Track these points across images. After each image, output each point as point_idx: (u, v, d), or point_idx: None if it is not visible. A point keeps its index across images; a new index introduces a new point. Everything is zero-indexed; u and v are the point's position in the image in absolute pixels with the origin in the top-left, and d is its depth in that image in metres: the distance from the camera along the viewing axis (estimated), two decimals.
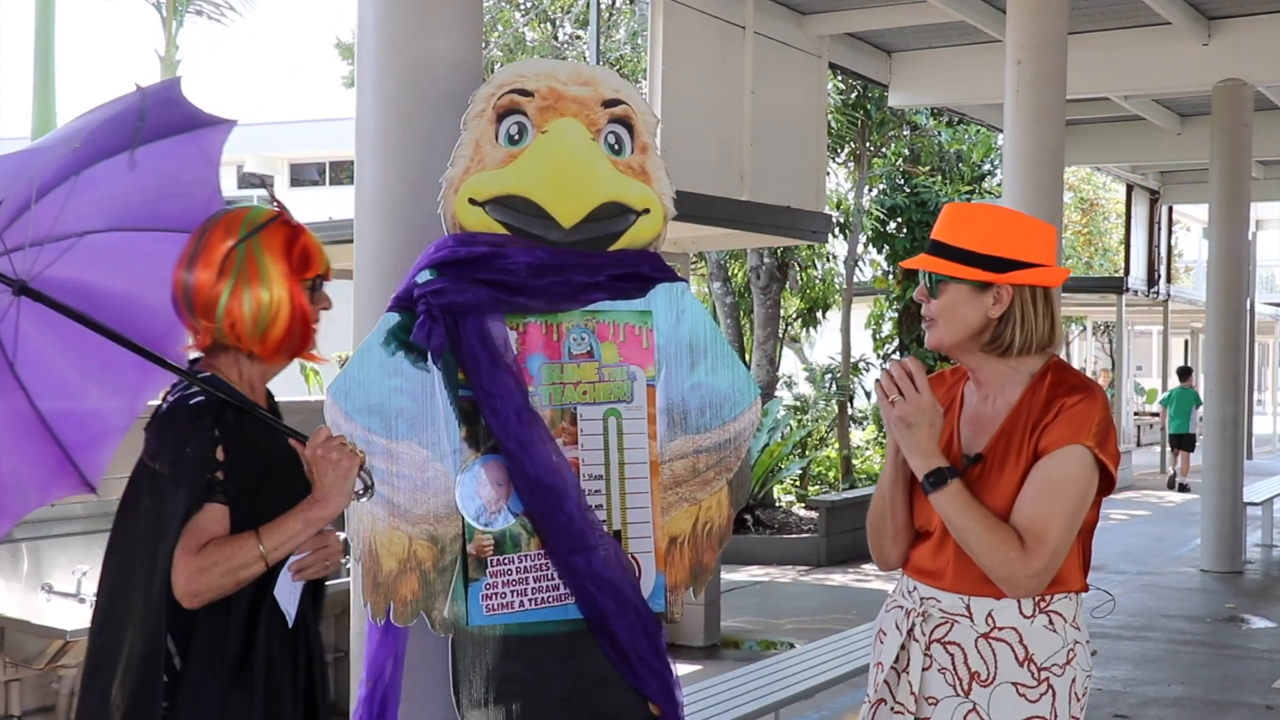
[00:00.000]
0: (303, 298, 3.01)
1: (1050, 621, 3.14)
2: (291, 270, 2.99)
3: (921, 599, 3.23)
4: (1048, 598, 3.14)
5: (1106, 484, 3.15)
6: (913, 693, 3.17)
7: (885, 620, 3.34)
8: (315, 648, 3.15)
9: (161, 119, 2.89)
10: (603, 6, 17.54)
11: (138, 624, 2.84)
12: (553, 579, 3.84)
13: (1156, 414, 29.19)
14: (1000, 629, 3.13)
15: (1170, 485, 22.25)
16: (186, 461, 2.87)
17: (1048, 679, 3.11)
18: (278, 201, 3.08)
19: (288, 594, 3.00)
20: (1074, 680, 3.14)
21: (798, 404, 18.33)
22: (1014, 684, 3.10)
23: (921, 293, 3.21)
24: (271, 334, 2.97)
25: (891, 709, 3.24)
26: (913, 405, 3.08)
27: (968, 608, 3.15)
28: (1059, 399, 3.11)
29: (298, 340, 3.03)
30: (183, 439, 2.88)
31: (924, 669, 3.18)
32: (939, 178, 19.25)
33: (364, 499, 3.04)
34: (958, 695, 3.13)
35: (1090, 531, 3.23)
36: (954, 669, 3.15)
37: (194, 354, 3.07)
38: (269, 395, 3.16)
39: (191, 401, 2.91)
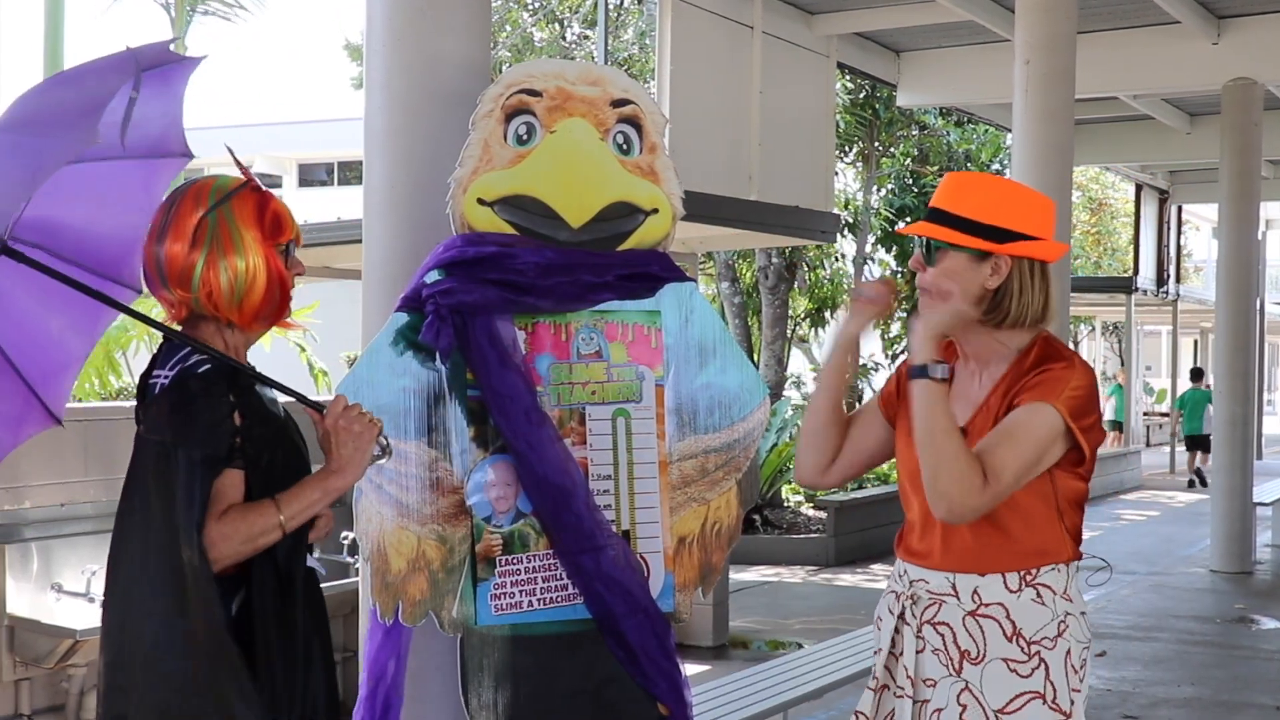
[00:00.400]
0: (278, 262, 3.00)
1: (1038, 594, 3.12)
2: (265, 236, 2.98)
3: (911, 581, 3.23)
4: (1034, 570, 3.12)
5: (1077, 457, 3.12)
6: (909, 676, 3.17)
7: (880, 607, 3.35)
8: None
9: (145, 124, 2.87)
10: (611, 6, 17.54)
11: (174, 606, 2.81)
12: (561, 579, 3.84)
13: (1166, 414, 29.19)
14: (987, 605, 3.11)
15: (1191, 484, 22.24)
16: (204, 428, 2.85)
17: (1039, 653, 3.08)
18: (244, 169, 3.06)
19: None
20: (1069, 652, 3.11)
21: (806, 404, 18.29)
22: (1004, 660, 3.08)
23: (917, 260, 3.18)
24: (249, 301, 2.95)
25: (894, 693, 3.24)
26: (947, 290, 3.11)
27: (953, 586, 3.14)
28: (1038, 366, 3.10)
29: (275, 306, 3.02)
30: (198, 406, 2.86)
31: (918, 651, 3.18)
32: None
33: (383, 461, 3.02)
34: (950, 674, 3.13)
35: (1078, 504, 3.20)
36: (945, 649, 3.14)
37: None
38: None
39: (200, 370, 2.88)
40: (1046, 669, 3.08)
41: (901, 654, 3.22)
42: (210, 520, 2.83)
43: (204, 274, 2.92)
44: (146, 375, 2.95)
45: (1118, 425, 26.66)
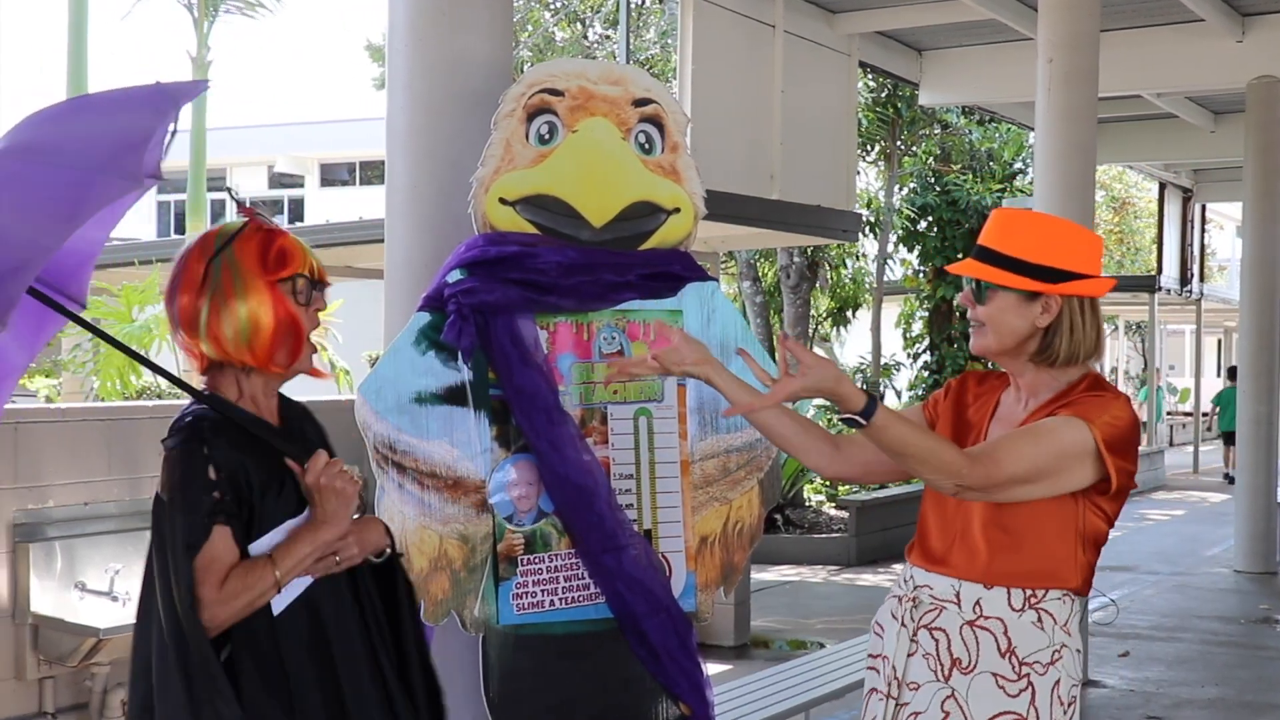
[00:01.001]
0: (285, 301, 2.92)
1: (1039, 619, 3.10)
2: (267, 273, 2.90)
3: (915, 586, 3.21)
4: (1039, 593, 3.10)
5: (1105, 489, 3.09)
6: (896, 678, 3.16)
7: (881, 613, 3.31)
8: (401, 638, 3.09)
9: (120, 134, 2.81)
10: (632, 6, 17.54)
11: (169, 661, 2.80)
12: (583, 578, 3.84)
13: (1189, 414, 29.10)
14: (986, 618, 3.09)
15: (1229, 479, 22.19)
16: (182, 487, 2.84)
17: (1028, 675, 3.07)
18: (243, 208, 3.01)
19: (286, 592, 2.95)
20: (1058, 682, 3.10)
21: (828, 403, 18.25)
22: (994, 674, 3.07)
23: (967, 297, 3.19)
24: (258, 343, 2.89)
25: (877, 697, 3.22)
26: (809, 360, 2.98)
27: (957, 594, 3.13)
28: (1081, 396, 3.10)
29: (290, 346, 2.94)
30: (176, 465, 2.85)
31: (909, 655, 3.16)
32: (970, 176, 19.19)
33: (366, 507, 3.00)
34: (938, 680, 3.11)
35: (1097, 545, 3.17)
36: (937, 655, 3.12)
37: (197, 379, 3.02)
38: (284, 403, 3.09)
39: (178, 426, 2.88)
40: (1033, 693, 3.06)
41: (888, 657, 3.20)
42: (209, 587, 2.79)
43: (209, 321, 2.88)
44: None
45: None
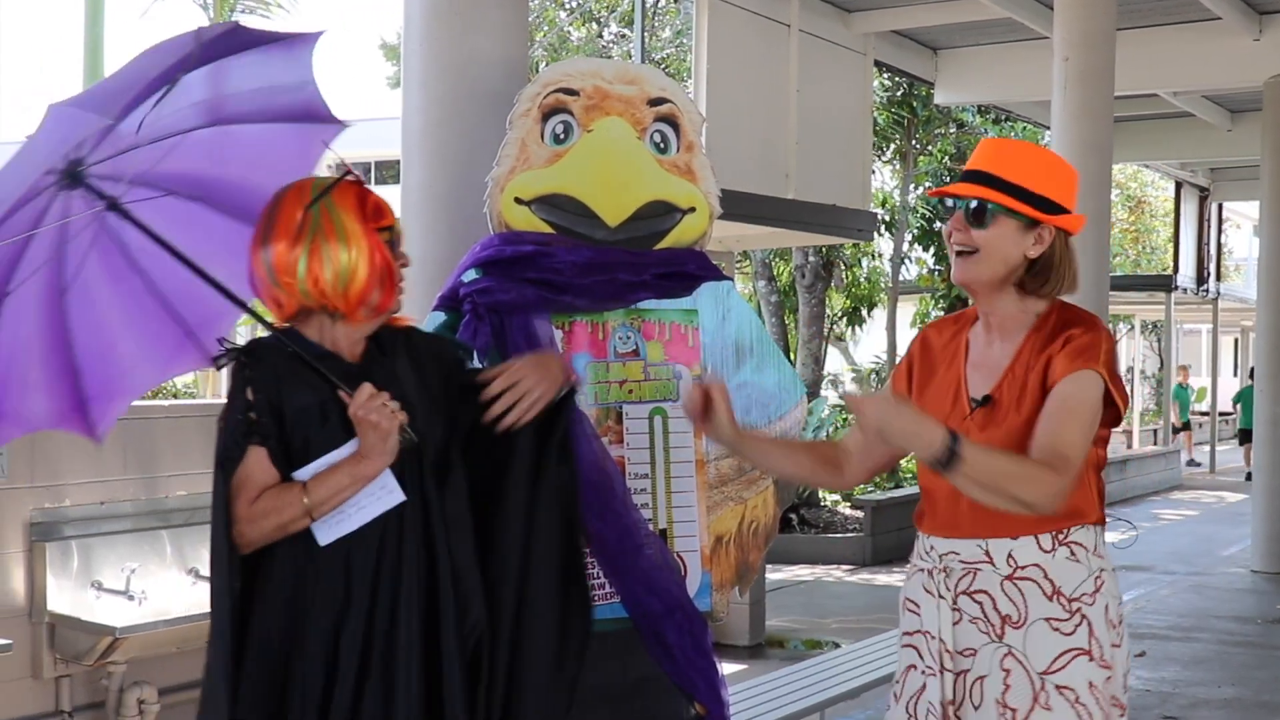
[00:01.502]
0: (384, 249, 2.99)
1: (1071, 552, 3.10)
2: (367, 222, 2.98)
3: (940, 555, 3.18)
4: (1065, 530, 3.10)
5: (1113, 416, 3.13)
6: (948, 650, 3.13)
7: (910, 589, 3.28)
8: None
9: (284, 94, 2.99)
10: (648, 5, 17.54)
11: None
12: (598, 577, 3.84)
13: (1206, 413, 29.04)
14: (1023, 568, 3.09)
15: (1250, 478, 22.20)
16: (226, 405, 2.95)
17: (1079, 609, 3.07)
18: (343, 163, 3.08)
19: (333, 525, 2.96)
20: (1106, 608, 3.10)
21: (843, 403, 18.23)
22: (1046, 620, 3.06)
23: (960, 222, 3.13)
24: (353, 289, 2.95)
25: (923, 671, 3.18)
26: (873, 410, 2.94)
27: (987, 552, 3.11)
28: (1063, 330, 3.10)
29: (381, 294, 3.00)
30: (228, 385, 2.96)
31: (954, 624, 3.14)
32: None
33: (406, 445, 2.98)
34: (992, 640, 3.09)
35: (1099, 468, 3.20)
36: (985, 616, 3.11)
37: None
38: (380, 337, 3.11)
39: (234, 349, 2.99)
40: (1090, 625, 3.07)
41: (927, 631, 3.18)
42: (241, 503, 2.89)
43: (309, 265, 2.94)
44: None
45: (1185, 425, 26.60)
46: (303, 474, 2.93)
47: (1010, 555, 3.10)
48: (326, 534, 2.93)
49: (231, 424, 2.93)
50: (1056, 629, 3.06)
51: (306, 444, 2.94)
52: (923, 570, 3.24)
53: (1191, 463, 26.39)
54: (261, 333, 3.07)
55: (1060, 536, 3.10)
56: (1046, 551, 3.09)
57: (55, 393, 3.08)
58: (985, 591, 3.11)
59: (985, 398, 3.14)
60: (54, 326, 3.03)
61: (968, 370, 3.22)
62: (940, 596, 3.15)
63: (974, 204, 3.11)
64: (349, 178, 3.03)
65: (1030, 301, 3.17)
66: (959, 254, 3.16)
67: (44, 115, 2.75)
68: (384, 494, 2.95)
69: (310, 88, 3.10)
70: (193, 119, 3.02)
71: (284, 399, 2.94)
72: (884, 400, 2.95)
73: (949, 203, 3.17)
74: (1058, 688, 3.03)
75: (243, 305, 3.08)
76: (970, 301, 3.33)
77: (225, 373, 3.00)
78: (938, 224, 18.83)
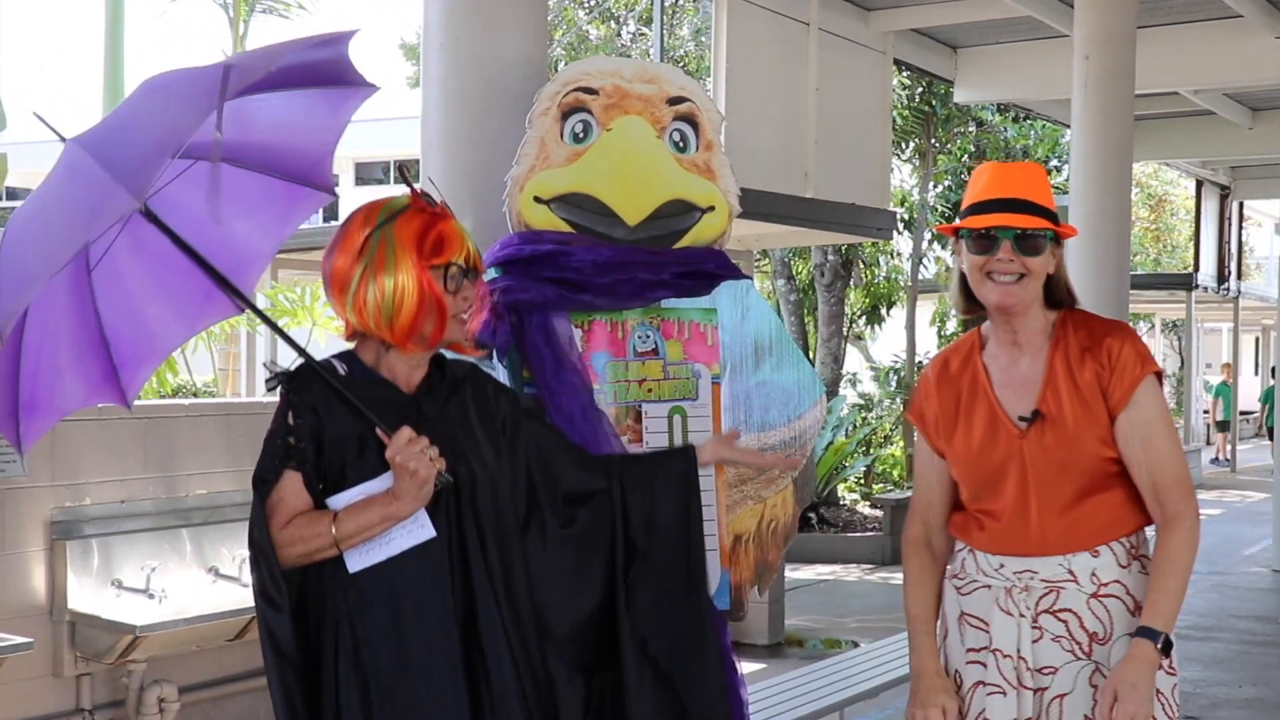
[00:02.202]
0: (434, 285, 2.97)
1: (1142, 566, 3.20)
2: (421, 257, 2.96)
3: (1014, 574, 3.20)
4: (1133, 539, 3.21)
5: None
6: (1028, 667, 3.16)
7: (973, 605, 3.28)
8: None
9: (310, 66, 2.96)
10: (667, 4, 17.54)
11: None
12: None
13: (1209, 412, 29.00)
14: (1106, 585, 3.15)
15: None
16: (271, 426, 2.98)
17: None
18: (412, 189, 3.06)
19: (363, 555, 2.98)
20: None
21: (862, 402, 18.25)
22: (1130, 635, 3.11)
23: (1009, 250, 3.17)
24: (399, 321, 2.95)
25: (988, 691, 3.20)
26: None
27: (1070, 571, 3.16)
28: (1097, 346, 3.18)
29: (431, 328, 2.99)
30: (278, 406, 2.99)
31: (1034, 641, 3.17)
32: None
33: (442, 488, 2.99)
34: (1078, 659, 3.14)
35: None
36: (1070, 634, 3.15)
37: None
38: (441, 368, 3.14)
39: (287, 370, 3.01)
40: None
41: (1000, 650, 3.19)
42: (273, 526, 2.92)
43: (358, 289, 2.96)
44: None
45: (1226, 425, 26.57)
46: (336, 502, 2.95)
47: (1094, 574, 3.16)
48: (356, 561, 2.95)
49: (271, 446, 2.97)
50: None
51: (343, 472, 2.96)
52: (989, 587, 3.25)
53: (1216, 461, 26.33)
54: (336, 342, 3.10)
55: (1133, 549, 3.20)
56: (1124, 567, 3.18)
57: (86, 369, 3.11)
58: (1071, 610, 3.16)
59: (1035, 412, 3.18)
60: (82, 305, 3.06)
61: (996, 392, 3.26)
62: (1021, 615, 3.18)
63: (1028, 232, 3.17)
64: (414, 204, 3.02)
65: (1049, 313, 3.26)
66: (1005, 281, 3.19)
67: (67, 160, 2.77)
68: (416, 528, 2.97)
69: (326, 147, 3.14)
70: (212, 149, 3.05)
71: (325, 426, 2.95)
72: (1134, 699, 3.00)
73: (992, 232, 3.19)
74: None
75: (249, 303, 3.08)
76: (969, 326, 3.40)
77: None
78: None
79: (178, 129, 2.73)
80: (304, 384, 2.97)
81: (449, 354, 3.18)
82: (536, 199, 3.84)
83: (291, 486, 2.94)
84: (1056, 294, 3.24)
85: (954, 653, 3.33)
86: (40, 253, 2.75)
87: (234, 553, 5.33)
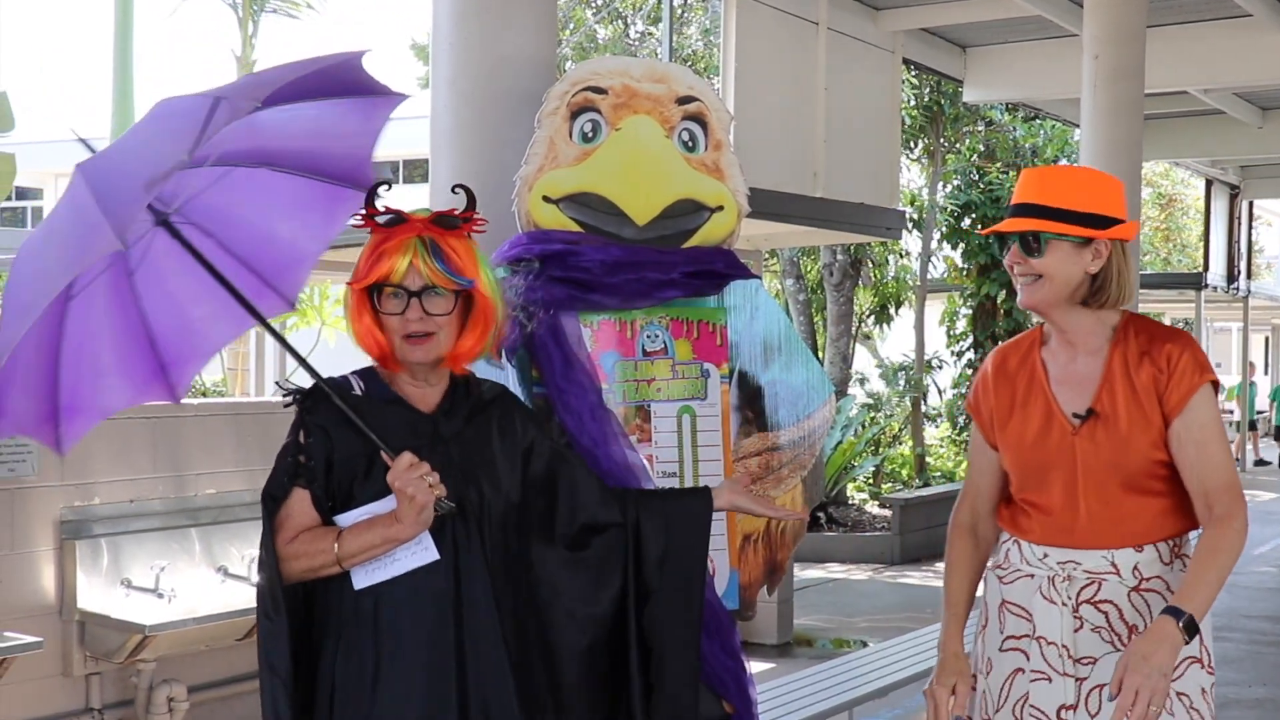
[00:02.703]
0: (359, 308, 3.02)
1: (1184, 565, 3.23)
2: (355, 280, 3.02)
3: (1058, 564, 3.25)
4: (1178, 540, 3.24)
5: None
6: (1070, 656, 3.20)
7: (1015, 594, 3.32)
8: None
9: (332, 78, 2.97)
10: (675, 3, 17.53)
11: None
12: None
13: (1232, 412, 28.93)
14: (1148, 579, 3.19)
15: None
16: (285, 444, 3.02)
17: None
18: (368, 206, 3.10)
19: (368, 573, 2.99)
20: (1209, 616, 3.21)
21: (871, 401, 18.23)
22: None
23: (1017, 255, 3.24)
24: (360, 345, 3.06)
25: (1030, 677, 3.25)
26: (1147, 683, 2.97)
27: (1113, 564, 3.20)
28: (1156, 351, 3.21)
29: (381, 351, 3.04)
30: (293, 423, 3.03)
31: (1074, 631, 3.21)
32: (1012, 174, 19.08)
33: (445, 514, 2.99)
34: (1117, 650, 3.17)
35: None
36: (1109, 626, 3.19)
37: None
38: (463, 390, 3.15)
39: (304, 388, 3.03)
40: (1201, 633, 3.17)
41: (1044, 637, 3.24)
42: (280, 540, 2.95)
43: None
44: None
45: (1253, 425, 26.57)
46: (343, 520, 2.98)
47: (1136, 568, 3.21)
48: (362, 579, 2.98)
49: (282, 463, 3.00)
50: None
51: (350, 492, 2.99)
52: (1032, 576, 3.29)
53: (1260, 462, 26.29)
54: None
55: (1176, 549, 3.25)
56: (1166, 564, 3.22)
57: (131, 368, 3.13)
58: (1111, 602, 3.20)
59: (1090, 411, 3.22)
60: (125, 307, 3.08)
61: (1053, 388, 3.30)
62: (1063, 604, 3.22)
63: (1029, 234, 3.22)
64: (369, 225, 3.04)
65: (1104, 314, 3.28)
66: (1024, 282, 3.26)
67: (73, 186, 2.78)
68: (419, 550, 2.99)
69: (364, 151, 3.15)
70: (247, 155, 3.07)
71: (334, 446, 2.98)
72: (1143, 671, 2.96)
73: (1006, 237, 3.28)
74: (1178, 694, 3.14)
75: (260, 319, 3.07)
76: (1034, 321, 3.44)
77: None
78: (965, 222, 18.80)
79: (161, 163, 2.73)
80: (316, 403, 2.99)
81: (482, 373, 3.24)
82: (545, 198, 3.84)
83: (299, 504, 2.97)
84: (1105, 294, 3.24)
85: (990, 641, 3.38)
86: (35, 285, 2.77)
87: (243, 552, 5.34)
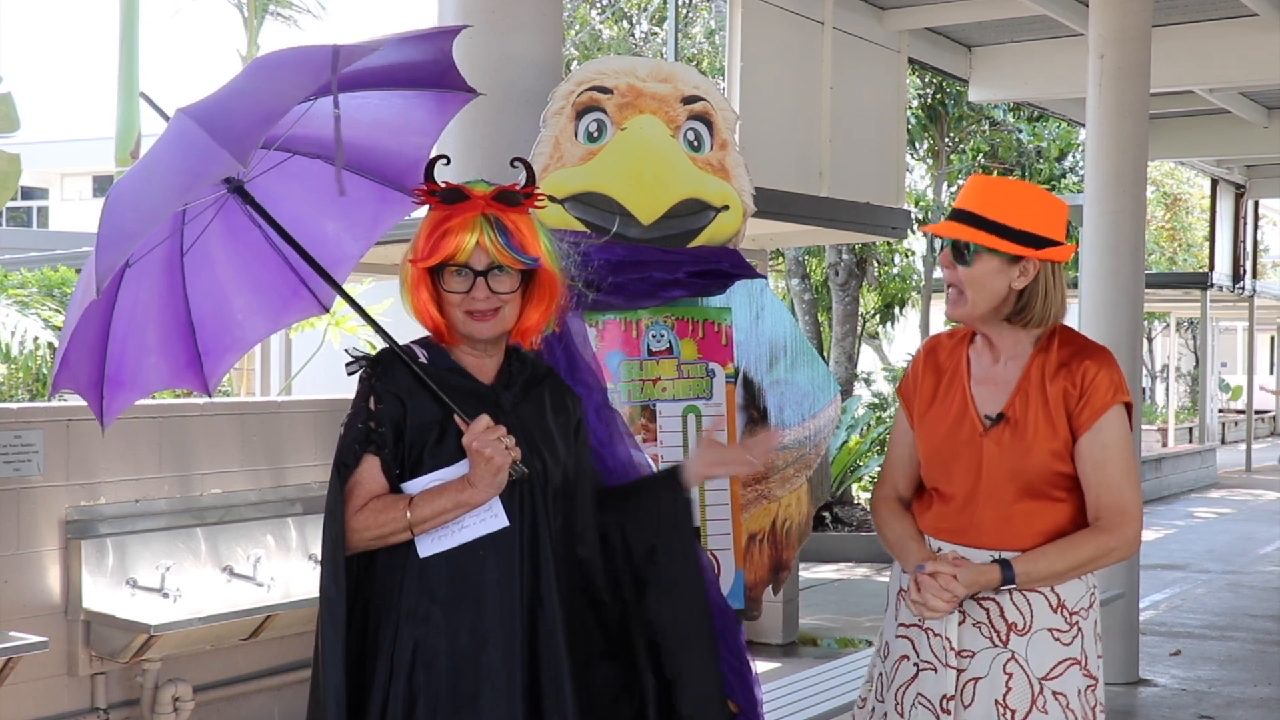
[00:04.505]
0: (419, 287, 3.03)
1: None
2: (416, 259, 3.01)
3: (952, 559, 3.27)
4: None
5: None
6: (952, 648, 3.25)
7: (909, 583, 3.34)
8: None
9: (411, 66, 2.99)
10: (680, 3, 17.53)
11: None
12: None
13: (1242, 411, 28.95)
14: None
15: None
16: (351, 410, 2.99)
17: (1077, 622, 3.26)
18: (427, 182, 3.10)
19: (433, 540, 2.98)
20: (1095, 622, 3.31)
21: (876, 401, 18.22)
22: (1049, 630, 3.23)
23: (947, 259, 3.31)
24: (420, 320, 3.06)
25: (916, 665, 3.33)
26: (957, 589, 3.17)
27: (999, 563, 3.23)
28: (1075, 365, 3.25)
29: (440, 327, 3.05)
30: (357, 389, 3.00)
31: (958, 624, 3.26)
32: (1018, 172, 19.07)
33: (520, 478, 2.99)
34: (995, 646, 3.24)
35: None
36: (989, 622, 3.25)
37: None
38: (518, 364, 3.15)
39: (372, 355, 3.02)
40: (1082, 636, 3.26)
41: (929, 628, 3.30)
42: (349, 509, 2.93)
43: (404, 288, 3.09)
44: None
45: None
46: (411, 487, 2.97)
47: None
48: (428, 547, 2.96)
49: (352, 430, 2.98)
50: (1057, 639, 3.24)
51: (420, 458, 2.98)
52: (929, 574, 3.29)
53: None
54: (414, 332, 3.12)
55: None
56: None
57: (172, 352, 3.16)
58: (993, 599, 3.25)
59: (1000, 415, 3.28)
60: (173, 287, 3.09)
61: (972, 387, 3.37)
62: None
63: (955, 242, 3.29)
64: (430, 202, 3.03)
65: (1028, 331, 3.32)
66: (950, 295, 3.34)
67: (174, 128, 2.79)
68: (489, 516, 2.98)
69: (423, 150, 3.16)
70: (313, 143, 3.10)
71: (408, 412, 2.97)
72: (956, 576, 3.16)
73: (938, 241, 3.31)
74: (1054, 693, 3.22)
75: (340, 290, 3.09)
76: None
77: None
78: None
79: (283, 96, 2.74)
80: (386, 370, 2.99)
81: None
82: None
83: (369, 470, 2.96)
84: (1029, 313, 3.27)
85: (889, 626, 3.46)
86: (139, 212, 2.75)
87: (249, 552, 5.34)
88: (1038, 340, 3.31)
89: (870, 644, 9.12)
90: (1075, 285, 9.14)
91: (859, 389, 17.66)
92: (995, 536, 3.25)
